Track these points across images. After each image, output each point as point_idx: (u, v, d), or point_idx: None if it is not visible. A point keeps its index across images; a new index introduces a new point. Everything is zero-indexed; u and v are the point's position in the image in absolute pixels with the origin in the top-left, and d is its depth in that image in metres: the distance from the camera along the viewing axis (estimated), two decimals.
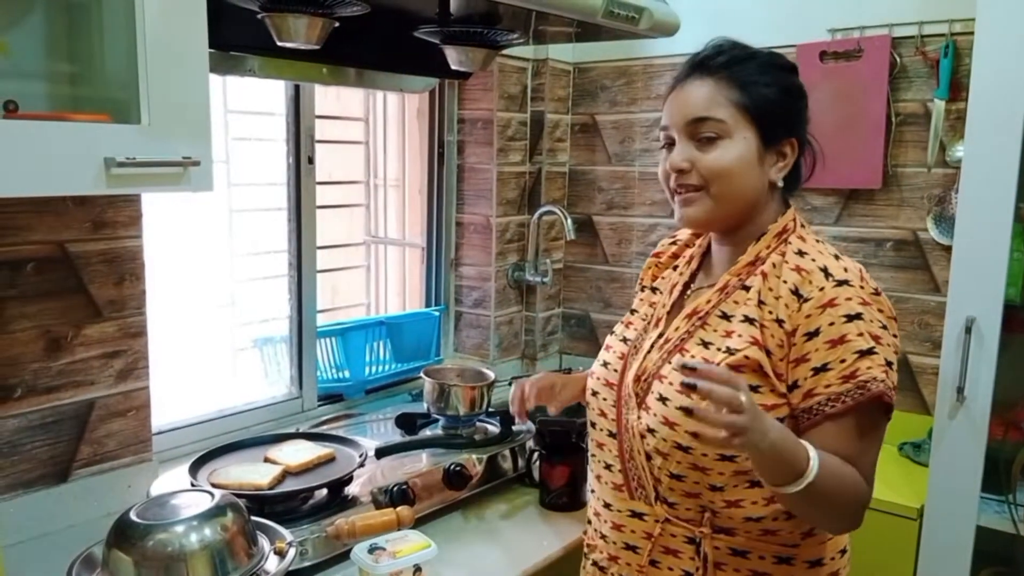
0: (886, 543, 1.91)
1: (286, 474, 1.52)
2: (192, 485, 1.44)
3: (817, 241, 1.20)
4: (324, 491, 1.51)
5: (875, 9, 2.13)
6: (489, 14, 1.63)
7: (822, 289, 1.10)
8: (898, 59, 2.12)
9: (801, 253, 1.16)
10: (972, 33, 1.69)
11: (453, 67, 1.78)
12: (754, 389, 1.10)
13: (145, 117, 1.13)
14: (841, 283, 1.10)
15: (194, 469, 1.51)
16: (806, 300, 1.10)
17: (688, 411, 1.11)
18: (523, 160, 2.53)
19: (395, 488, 1.53)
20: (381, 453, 1.67)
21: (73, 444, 1.49)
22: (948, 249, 1.96)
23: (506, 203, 2.48)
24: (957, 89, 2.02)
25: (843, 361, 1.07)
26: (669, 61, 2.50)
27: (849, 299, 1.09)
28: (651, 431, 1.17)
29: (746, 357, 1.11)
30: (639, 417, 1.19)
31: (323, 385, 2.13)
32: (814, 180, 2.23)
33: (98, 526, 1.26)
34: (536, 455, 1.76)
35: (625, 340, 1.31)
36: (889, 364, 1.09)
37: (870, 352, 1.07)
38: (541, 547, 1.54)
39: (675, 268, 1.35)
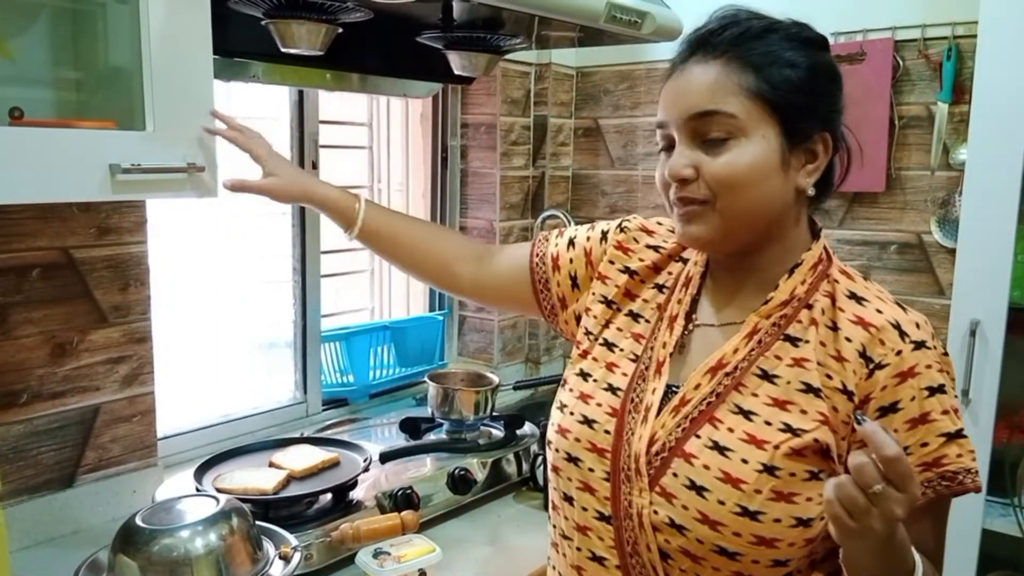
0: None
1: (290, 479, 1.52)
2: (197, 490, 1.44)
3: (864, 278, 0.98)
4: (328, 496, 1.51)
5: (878, 12, 2.13)
6: (492, 19, 1.64)
7: (899, 353, 0.87)
8: (901, 62, 2.12)
9: (857, 299, 0.92)
10: (975, 36, 1.70)
11: (456, 72, 1.78)
12: (815, 476, 0.87)
13: (150, 123, 1.13)
14: (919, 345, 0.88)
15: (199, 474, 1.52)
16: (880, 367, 0.87)
17: (749, 513, 0.86)
18: (526, 164, 2.53)
19: (399, 493, 1.53)
20: (385, 458, 1.67)
21: (78, 449, 1.50)
22: (952, 252, 1.96)
23: (509, 207, 2.48)
24: (960, 92, 2.02)
25: (924, 445, 0.86)
26: None
27: (930, 367, 0.87)
28: (676, 527, 0.90)
29: (816, 440, 0.87)
30: (651, 503, 0.92)
31: (327, 390, 2.13)
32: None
33: (104, 531, 1.26)
34: (540, 459, 1.76)
35: (613, 389, 1.00)
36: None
37: (958, 436, 0.87)
38: (546, 551, 1.53)
39: (659, 288, 1.06)
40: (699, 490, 0.89)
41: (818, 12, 2.28)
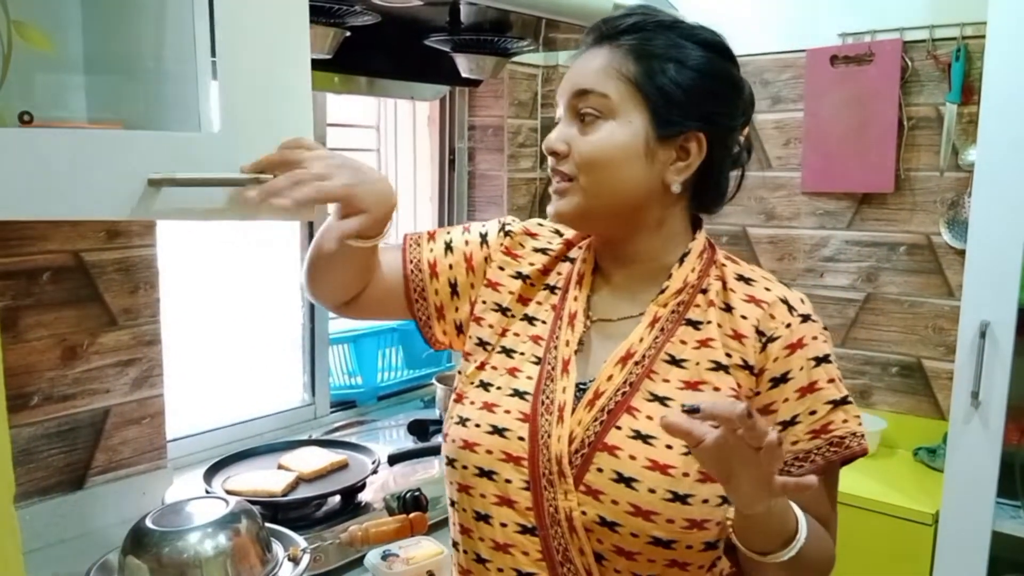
0: (901, 549, 1.90)
1: (299, 481, 1.53)
2: (207, 492, 1.45)
3: (744, 262, 1.00)
4: (337, 498, 1.51)
5: (886, 13, 2.13)
6: (499, 22, 1.64)
7: (788, 326, 0.91)
8: (909, 63, 2.12)
9: (746, 280, 0.96)
10: (983, 36, 1.69)
11: (464, 75, 1.78)
12: None
13: (208, 122, 0.91)
14: (806, 318, 0.92)
15: (208, 476, 1.52)
16: (772, 340, 0.91)
17: (680, 498, 0.86)
18: (534, 166, 2.53)
19: (408, 495, 1.53)
20: (394, 460, 1.67)
21: (88, 451, 1.50)
22: (962, 253, 1.95)
23: (517, 209, 2.48)
24: (969, 92, 2.02)
25: (813, 413, 0.90)
26: None
27: (815, 338, 0.92)
28: (608, 524, 0.89)
29: None
30: (578, 504, 0.90)
31: (335, 392, 2.14)
32: (826, 184, 2.26)
33: (114, 533, 1.27)
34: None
35: (520, 394, 0.96)
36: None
37: (844, 402, 0.91)
38: None
39: (551, 289, 1.04)
40: (628, 482, 0.88)
41: (826, 12, 2.30)
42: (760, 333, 0.91)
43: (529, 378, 0.97)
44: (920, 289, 2.18)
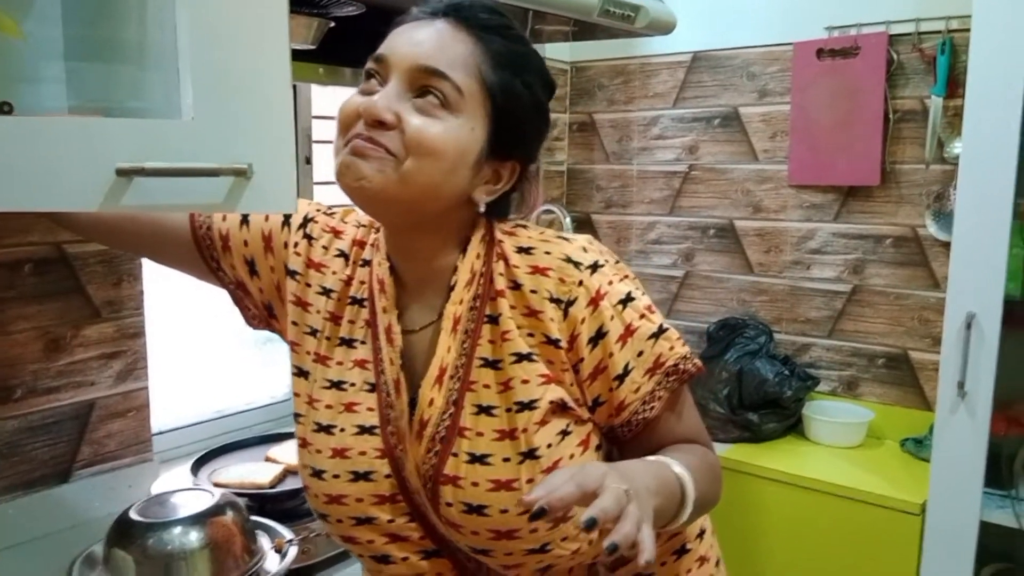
0: (889, 539, 1.91)
1: (287, 473, 1.52)
2: (194, 485, 1.44)
3: (522, 227, 0.94)
4: None
5: (872, 6, 2.14)
6: None
7: (581, 284, 0.87)
8: (895, 56, 2.13)
9: (525, 250, 0.90)
10: (969, 30, 1.70)
11: None
12: (565, 433, 0.87)
13: (187, 109, 0.86)
14: (594, 268, 0.88)
15: (195, 469, 1.52)
16: (571, 303, 0.86)
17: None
18: None
19: None
20: None
21: (74, 444, 1.50)
22: (947, 245, 1.96)
23: None
24: (954, 86, 2.03)
25: (641, 354, 0.88)
26: (666, 59, 2.50)
27: (611, 283, 0.88)
28: (481, 551, 0.88)
29: (550, 403, 0.86)
30: (449, 534, 0.89)
31: None
32: (812, 177, 2.27)
33: (100, 526, 1.26)
34: None
35: (367, 430, 0.90)
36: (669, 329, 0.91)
37: (662, 332, 0.89)
38: None
39: (358, 302, 0.94)
40: (478, 511, 0.85)
41: (813, 6, 2.31)
42: (557, 301, 0.87)
43: (370, 409, 0.91)
44: (906, 281, 2.19)
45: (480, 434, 0.86)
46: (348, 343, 0.94)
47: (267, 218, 1.00)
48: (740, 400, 2.21)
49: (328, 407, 0.93)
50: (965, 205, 1.72)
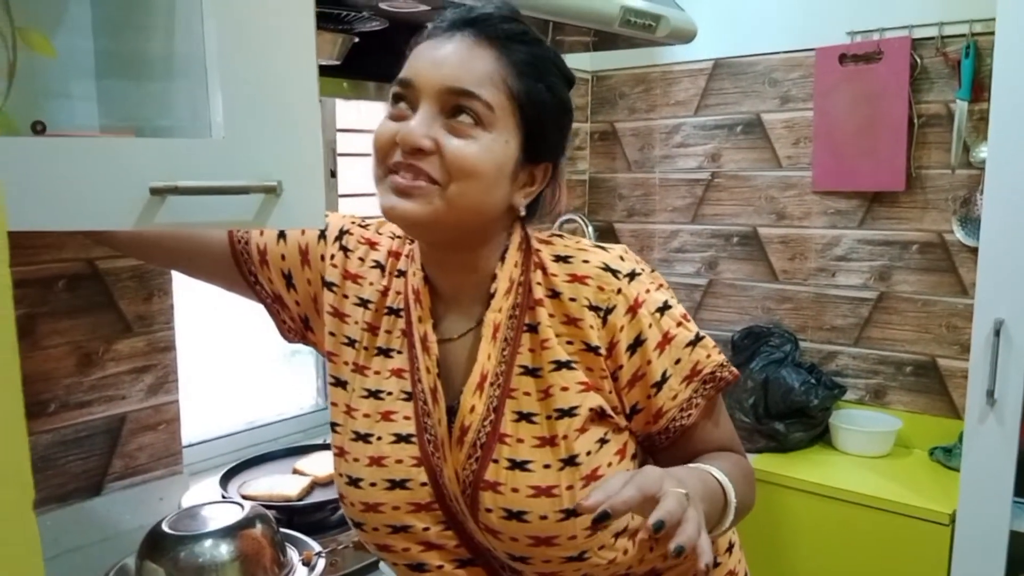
0: (918, 550, 1.89)
1: (315, 485, 1.54)
2: (223, 497, 1.45)
3: (559, 236, 0.96)
4: None
5: (894, 11, 2.13)
6: None
7: (620, 292, 0.88)
8: (919, 60, 2.11)
9: (564, 259, 0.91)
10: (993, 33, 1.68)
11: None
12: (604, 441, 0.89)
13: (218, 128, 0.87)
14: (632, 276, 0.90)
15: (224, 481, 1.54)
16: (609, 311, 0.88)
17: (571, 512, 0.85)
18: None
19: None
20: None
21: (105, 458, 1.52)
22: (974, 251, 1.94)
23: None
24: (979, 89, 2.01)
25: (678, 361, 0.90)
26: (688, 67, 2.50)
27: (648, 291, 0.90)
28: (519, 559, 0.89)
29: (590, 410, 0.87)
30: (487, 542, 0.89)
31: None
32: (836, 183, 2.26)
33: (131, 538, 1.28)
34: None
35: (404, 439, 0.91)
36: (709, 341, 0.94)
37: (699, 340, 0.91)
38: None
39: (395, 313, 0.96)
40: (518, 516, 0.85)
41: (834, 11, 2.30)
42: (596, 309, 0.88)
43: (407, 418, 0.92)
44: (933, 287, 2.17)
45: (520, 440, 0.87)
46: (385, 353, 0.95)
47: (303, 232, 1.02)
48: (766, 409, 2.20)
49: (366, 416, 0.94)
50: (992, 210, 1.70)
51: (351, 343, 0.97)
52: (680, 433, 0.92)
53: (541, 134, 0.89)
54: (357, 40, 1.51)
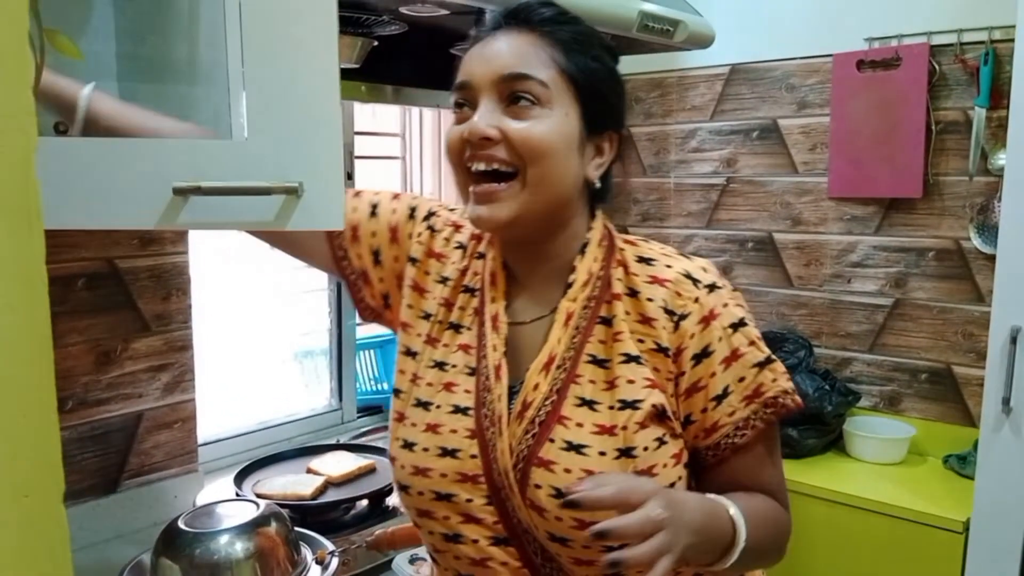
0: (932, 557, 1.88)
1: (328, 485, 1.54)
2: (237, 495, 1.46)
3: (645, 241, 0.98)
4: (365, 502, 1.53)
5: (913, 17, 2.12)
6: None
7: (697, 300, 0.89)
8: (937, 67, 2.10)
9: (646, 260, 0.93)
10: (1012, 40, 1.67)
11: None
12: (662, 442, 0.88)
13: (239, 129, 0.87)
14: (712, 288, 0.91)
15: (239, 479, 1.55)
16: (683, 317, 0.89)
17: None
18: None
19: None
20: None
21: (121, 455, 1.53)
22: (992, 258, 1.93)
23: None
24: (998, 96, 2.00)
25: (742, 380, 0.89)
26: (704, 72, 2.50)
27: (726, 305, 0.90)
28: (559, 540, 0.88)
29: (652, 406, 0.88)
30: (530, 519, 0.89)
31: (362, 397, 2.15)
32: (853, 189, 2.25)
33: (146, 535, 1.29)
34: None
35: (462, 410, 0.93)
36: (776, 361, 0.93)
37: (769, 362, 0.91)
38: None
39: (471, 292, 0.99)
40: (563, 497, 0.83)
41: (852, 17, 2.29)
42: (670, 313, 0.89)
43: (467, 392, 0.94)
44: (949, 295, 2.16)
45: (580, 425, 0.88)
46: (455, 327, 0.98)
47: (394, 211, 1.05)
48: None
49: (429, 384, 0.96)
50: (1010, 217, 1.69)
51: (426, 316, 1.00)
52: (731, 452, 0.91)
53: (599, 104, 0.91)
54: (376, 44, 1.52)
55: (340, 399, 2.09)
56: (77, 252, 1.44)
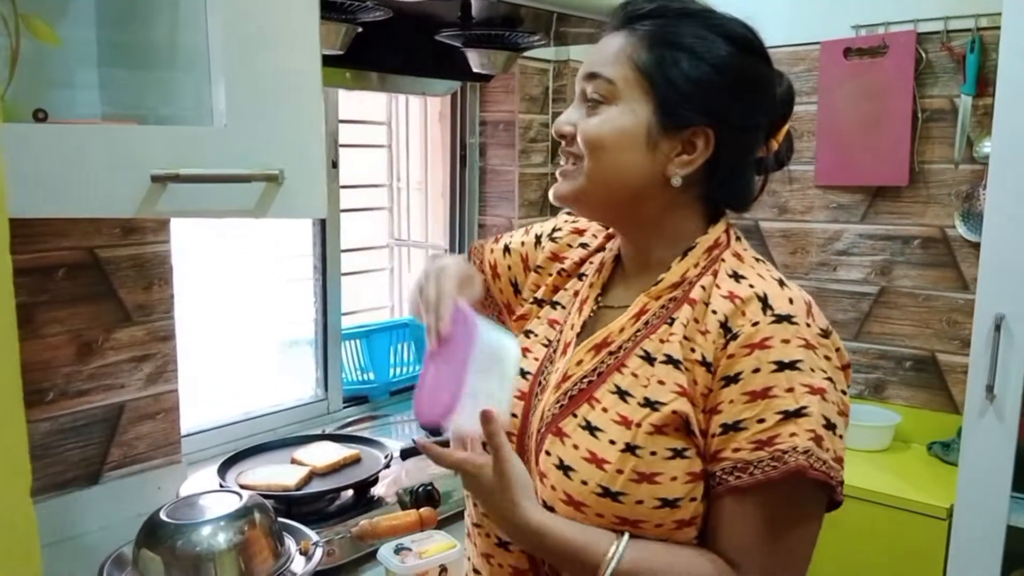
0: (915, 544, 1.89)
1: (312, 475, 1.53)
2: (221, 486, 1.45)
3: (757, 260, 0.94)
4: (350, 492, 1.52)
5: (900, 5, 2.12)
6: (510, 16, 1.64)
7: (755, 324, 0.84)
8: (923, 55, 2.10)
9: (737, 276, 0.90)
10: (998, 28, 1.68)
11: (475, 70, 1.78)
12: (679, 454, 0.85)
13: (219, 116, 0.86)
14: (781, 319, 0.84)
15: (223, 470, 1.53)
16: (735, 337, 0.84)
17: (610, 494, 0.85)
18: (545, 161, 2.53)
19: (420, 489, 1.53)
20: (406, 454, 1.68)
21: (104, 446, 1.52)
22: (976, 246, 1.94)
23: (528, 204, 2.48)
24: (984, 84, 2.00)
25: (761, 421, 0.82)
26: None
27: (787, 341, 0.83)
28: (549, 508, 0.90)
29: (674, 412, 0.85)
30: (537, 484, 0.91)
31: (348, 387, 2.14)
32: (839, 177, 2.25)
33: (129, 527, 1.28)
34: None
35: (523, 374, 0.98)
36: (830, 428, 0.83)
37: (798, 414, 0.81)
38: None
39: (581, 277, 1.05)
40: (566, 470, 0.88)
41: (840, 5, 2.28)
42: (726, 329, 0.85)
43: (535, 359, 1.00)
44: (934, 282, 2.16)
45: (605, 410, 0.89)
46: (553, 305, 1.06)
47: (522, 243, 1.14)
48: None
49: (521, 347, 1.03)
50: (995, 205, 1.70)
51: (536, 301, 1.08)
52: (725, 491, 0.84)
53: (679, 97, 0.89)
54: (360, 30, 1.50)
55: (326, 389, 2.08)
56: (57, 241, 1.42)
